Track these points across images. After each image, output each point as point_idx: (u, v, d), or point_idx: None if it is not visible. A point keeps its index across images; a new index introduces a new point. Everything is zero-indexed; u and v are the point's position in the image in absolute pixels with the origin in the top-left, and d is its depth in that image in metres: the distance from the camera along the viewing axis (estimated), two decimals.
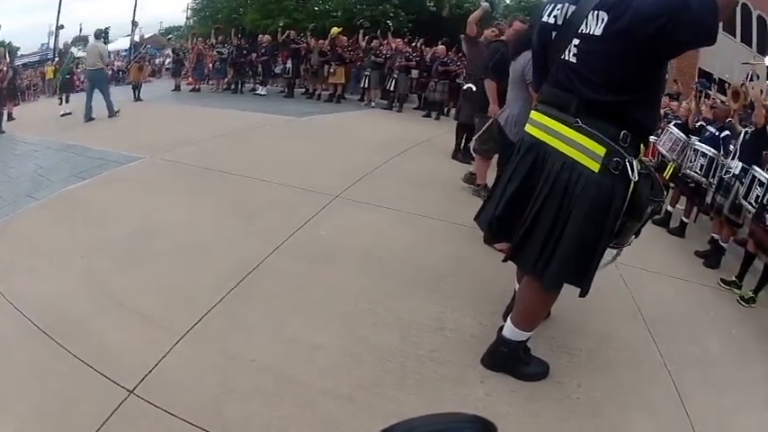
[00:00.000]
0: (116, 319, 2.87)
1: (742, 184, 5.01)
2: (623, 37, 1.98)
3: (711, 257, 5.33)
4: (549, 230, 2.19)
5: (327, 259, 3.62)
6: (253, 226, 4.11)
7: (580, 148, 2.15)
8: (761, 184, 4.68)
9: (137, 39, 16.34)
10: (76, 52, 14.16)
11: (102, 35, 11.16)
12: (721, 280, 4.86)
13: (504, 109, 4.27)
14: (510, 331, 2.50)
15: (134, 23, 12.94)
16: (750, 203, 4.77)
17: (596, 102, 2.13)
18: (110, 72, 24.71)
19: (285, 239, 3.81)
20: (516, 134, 3.63)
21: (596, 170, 2.11)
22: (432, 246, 4.06)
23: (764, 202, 4.56)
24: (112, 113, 9.87)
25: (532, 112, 2.42)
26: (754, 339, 3.91)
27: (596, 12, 2.06)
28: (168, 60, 18.04)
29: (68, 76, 12.56)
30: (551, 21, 2.27)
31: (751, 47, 21.80)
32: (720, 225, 5.44)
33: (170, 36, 22.56)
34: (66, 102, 10.78)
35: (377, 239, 4.06)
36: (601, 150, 2.11)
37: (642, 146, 2.23)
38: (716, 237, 5.49)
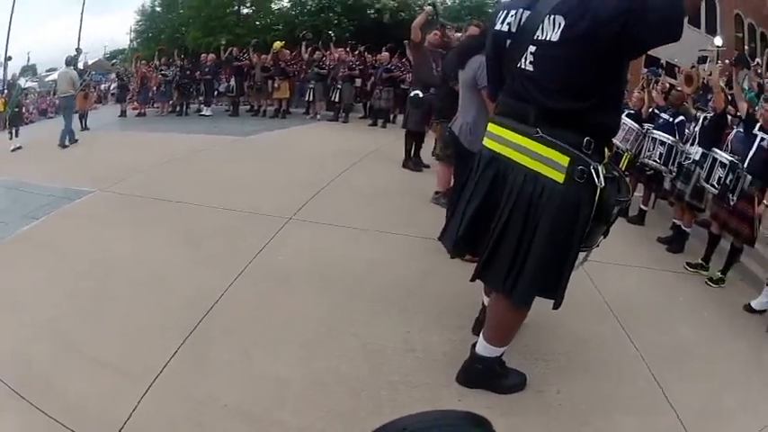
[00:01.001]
0: (80, 368, 2.73)
1: (702, 168, 5.12)
2: (583, 41, 1.95)
3: (674, 243, 5.46)
4: (515, 246, 2.15)
5: (287, 285, 3.56)
6: (208, 256, 4.02)
7: (542, 159, 2.10)
8: (722, 165, 4.79)
9: (81, 66, 15.97)
10: (24, 83, 13.81)
11: (74, 62, 11.35)
12: (687, 264, 4.99)
13: (456, 117, 4.22)
14: (483, 348, 2.47)
15: (78, 51, 12.65)
16: (712, 185, 4.88)
17: (556, 110, 2.09)
18: (57, 101, 24.15)
19: (243, 269, 3.73)
20: (471, 142, 3.60)
21: (561, 181, 2.07)
22: (393, 261, 4.04)
23: (727, 182, 4.68)
24: (64, 142, 9.83)
25: (489, 124, 2.38)
26: (726, 320, 4.03)
27: (552, 16, 2.03)
28: (113, 86, 17.80)
29: (17, 110, 12.22)
30: (505, 28, 2.24)
31: (699, 28, 22.60)
32: (682, 210, 5.58)
33: (114, 61, 22.27)
34: (16, 136, 10.48)
35: (336, 260, 4.02)
36: (564, 160, 2.07)
37: (606, 149, 2.21)
38: (677, 222, 5.61)
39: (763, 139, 4.60)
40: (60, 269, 3.88)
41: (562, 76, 2.06)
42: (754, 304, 4.30)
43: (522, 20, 2.16)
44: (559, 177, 2.07)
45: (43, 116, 23.80)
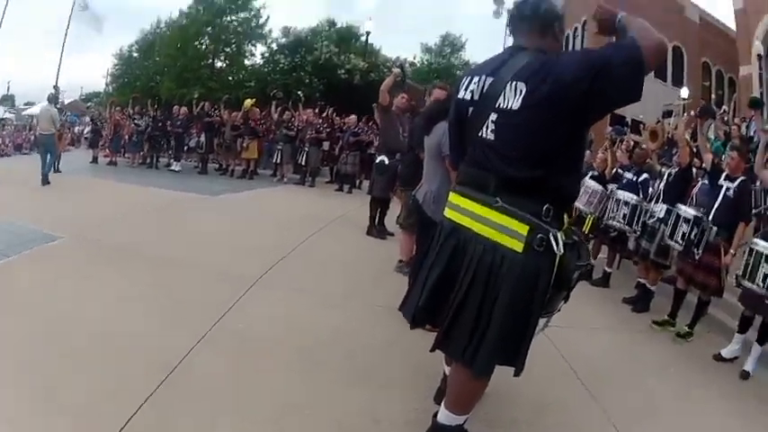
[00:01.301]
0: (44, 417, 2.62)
1: (666, 225, 5.24)
2: (546, 105, 2.00)
3: (640, 302, 5.55)
4: (475, 317, 2.15)
5: (251, 351, 3.51)
6: (173, 315, 3.96)
7: (501, 229, 2.12)
8: (686, 221, 4.93)
9: (58, 105, 16.09)
10: (2, 113, 13.79)
11: (55, 99, 11.53)
12: (653, 322, 5.07)
13: (421, 184, 4.20)
14: (445, 416, 2.44)
15: (56, 88, 12.71)
16: (677, 242, 5.00)
17: (517, 178, 2.12)
18: (33, 137, 24.06)
19: (206, 332, 3.67)
20: (434, 212, 3.58)
21: (520, 250, 2.08)
22: (357, 330, 4.05)
23: (692, 237, 4.82)
24: (55, 171, 10.52)
25: (451, 194, 2.40)
26: (696, 372, 4.15)
27: (514, 83, 2.08)
28: (87, 129, 17.96)
29: None
30: (468, 96, 2.29)
31: (666, 81, 23.46)
32: (647, 269, 5.69)
33: (89, 104, 22.33)
34: None
35: (300, 327, 4.01)
36: (523, 229, 2.09)
37: (565, 215, 2.25)
38: (642, 281, 5.70)
39: (728, 189, 4.78)
40: (20, 320, 3.71)
41: (523, 143, 2.10)
42: (725, 353, 4.42)
43: (485, 87, 2.21)
44: (518, 246, 2.08)
45: (18, 151, 23.72)
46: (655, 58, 1.93)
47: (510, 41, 2.38)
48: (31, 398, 2.73)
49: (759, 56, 17.33)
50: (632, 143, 8.72)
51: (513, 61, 2.17)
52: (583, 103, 1.97)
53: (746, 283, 4.17)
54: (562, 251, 2.10)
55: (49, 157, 10.39)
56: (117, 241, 5.70)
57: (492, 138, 2.17)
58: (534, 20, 2.26)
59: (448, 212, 2.37)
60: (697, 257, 4.79)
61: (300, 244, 6.41)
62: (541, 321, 2.31)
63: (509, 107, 2.09)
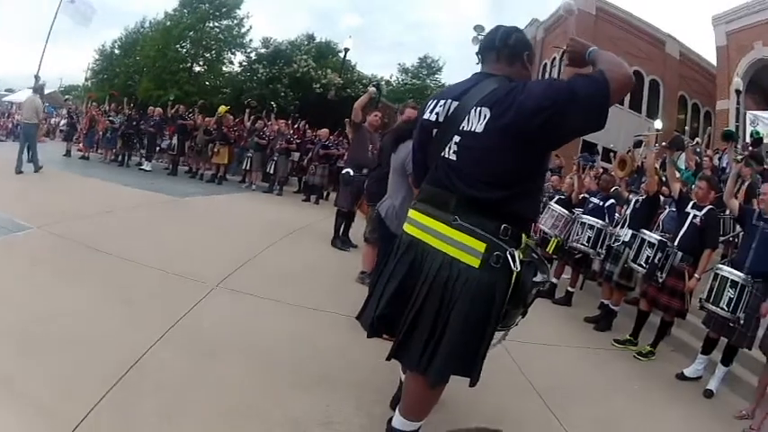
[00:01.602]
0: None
1: (631, 248, 5.38)
2: (508, 132, 2.06)
3: (602, 321, 5.66)
4: (430, 328, 2.18)
5: (209, 352, 3.47)
6: (133, 313, 3.89)
7: (459, 245, 2.17)
8: (650, 245, 5.09)
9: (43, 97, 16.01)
10: None
11: (41, 90, 11.56)
12: (615, 340, 5.18)
13: (385, 199, 4.29)
14: (400, 422, 2.45)
15: (36, 78, 12.54)
16: (640, 265, 5.14)
17: (475, 198, 2.17)
18: (10, 125, 23.71)
19: (165, 331, 3.62)
20: (397, 226, 3.64)
21: (476, 266, 2.13)
22: (315, 336, 4.04)
23: (656, 261, 4.96)
24: (37, 168, 10.38)
25: (410, 210, 2.45)
26: (658, 389, 4.22)
27: (479, 108, 2.14)
28: (63, 122, 17.76)
29: None
30: (433, 118, 2.35)
31: (640, 112, 24.03)
32: (610, 290, 5.80)
33: (67, 97, 22.09)
34: None
35: (258, 330, 3.99)
36: (480, 246, 2.13)
37: (524, 234, 2.27)
38: (606, 302, 5.81)
39: (695, 217, 4.93)
40: None
41: (484, 166, 2.16)
42: (687, 372, 4.54)
43: (450, 110, 2.28)
44: (475, 262, 2.13)
45: None
46: (621, 92, 2.02)
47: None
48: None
49: (737, 91, 17.92)
50: (601, 170, 8.92)
51: (479, 87, 2.24)
52: (545, 131, 2.02)
53: (711, 307, 4.31)
54: (519, 268, 2.14)
55: (27, 146, 10.48)
56: (82, 236, 5.61)
57: (454, 158, 2.23)
58: (503, 50, 2.33)
59: (407, 227, 2.42)
60: (660, 280, 4.91)
61: (264, 250, 6.41)
62: (498, 335, 2.35)
63: (472, 130, 2.16)
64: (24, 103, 11.21)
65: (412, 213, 2.41)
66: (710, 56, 22.50)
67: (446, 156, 2.26)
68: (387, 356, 2.37)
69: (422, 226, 2.31)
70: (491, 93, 2.16)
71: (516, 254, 2.15)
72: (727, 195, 4.98)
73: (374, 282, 2.57)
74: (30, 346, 3.18)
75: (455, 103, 2.27)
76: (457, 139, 2.21)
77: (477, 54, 2.44)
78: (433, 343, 2.17)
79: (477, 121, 2.14)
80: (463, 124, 2.19)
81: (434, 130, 2.35)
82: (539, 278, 2.27)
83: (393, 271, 2.37)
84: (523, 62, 2.35)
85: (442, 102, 2.33)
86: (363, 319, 2.51)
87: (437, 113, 2.33)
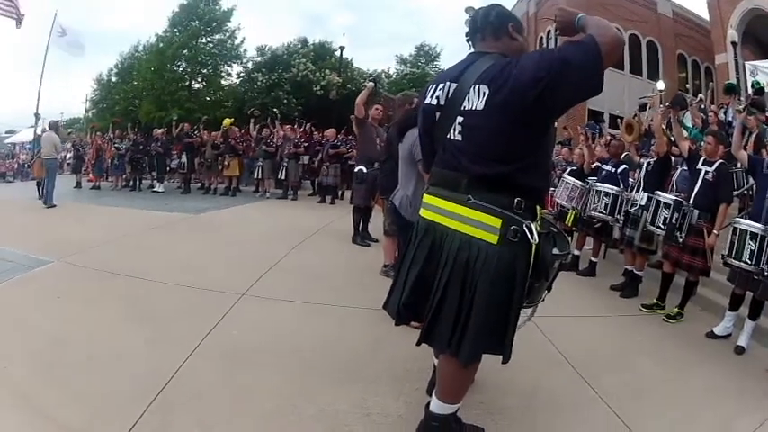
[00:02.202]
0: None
1: (648, 211, 5.36)
2: (507, 108, 2.09)
3: (628, 288, 5.63)
4: (457, 309, 2.21)
5: (242, 360, 3.52)
6: (163, 332, 3.93)
7: (475, 223, 2.19)
8: (666, 206, 5.06)
9: (39, 132, 16.21)
10: None
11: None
12: (642, 305, 5.16)
13: (397, 189, 4.36)
14: (437, 406, 2.48)
15: (37, 116, 12.74)
16: (658, 227, 5.12)
17: (486, 176, 2.20)
18: (16, 165, 23.92)
19: (197, 345, 3.66)
20: (412, 215, 3.70)
21: (495, 242, 2.15)
22: (345, 333, 4.09)
23: (673, 221, 4.92)
24: (50, 204, 10.47)
25: (424, 195, 2.48)
26: (689, 350, 4.20)
27: (477, 86, 2.18)
28: (69, 156, 18.06)
29: None
30: (434, 102, 2.38)
31: (641, 75, 23.82)
32: (633, 256, 5.77)
33: (71, 130, 22.35)
34: None
35: (289, 334, 4.04)
36: (496, 222, 2.16)
37: (538, 207, 2.31)
38: (629, 268, 5.79)
39: (707, 173, 4.90)
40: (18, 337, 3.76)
41: (489, 142, 2.19)
42: (717, 330, 4.51)
43: (450, 92, 2.31)
44: (493, 239, 2.16)
45: (2, 179, 23.59)
46: (613, 54, 2.02)
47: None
48: (28, 423, 2.72)
49: (734, 43, 17.67)
50: (610, 138, 8.84)
51: (475, 65, 2.27)
52: (543, 102, 2.05)
53: (733, 262, 4.28)
54: (537, 240, 2.17)
55: (48, 180, 10.77)
56: (106, 263, 5.67)
57: (460, 139, 2.27)
58: (486, 27, 2.38)
59: (423, 212, 2.45)
60: (681, 240, 4.88)
61: (286, 254, 6.47)
62: (527, 311, 2.39)
63: (474, 109, 2.19)
64: (43, 140, 11.56)
65: (426, 198, 2.45)
66: (703, 11, 22.29)
67: (452, 137, 2.29)
68: (417, 341, 2.41)
69: (437, 209, 2.35)
70: (488, 70, 2.19)
71: (533, 226, 2.18)
72: (734, 148, 4.94)
73: (398, 269, 2.61)
74: (56, 372, 3.23)
75: (454, 85, 2.30)
76: (460, 119, 2.25)
77: (466, 41, 2.48)
78: (461, 324, 2.20)
79: (477, 100, 2.17)
80: (464, 104, 2.23)
81: (437, 114, 2.38)
82: (558, 251, 2.28)
83: (414, 257, 2.41)
84: (509, 34, 2.38)
85: (441, 85, 2.36)
86: (389, 306, 2.54)
87: (437, 97, 2.37)
